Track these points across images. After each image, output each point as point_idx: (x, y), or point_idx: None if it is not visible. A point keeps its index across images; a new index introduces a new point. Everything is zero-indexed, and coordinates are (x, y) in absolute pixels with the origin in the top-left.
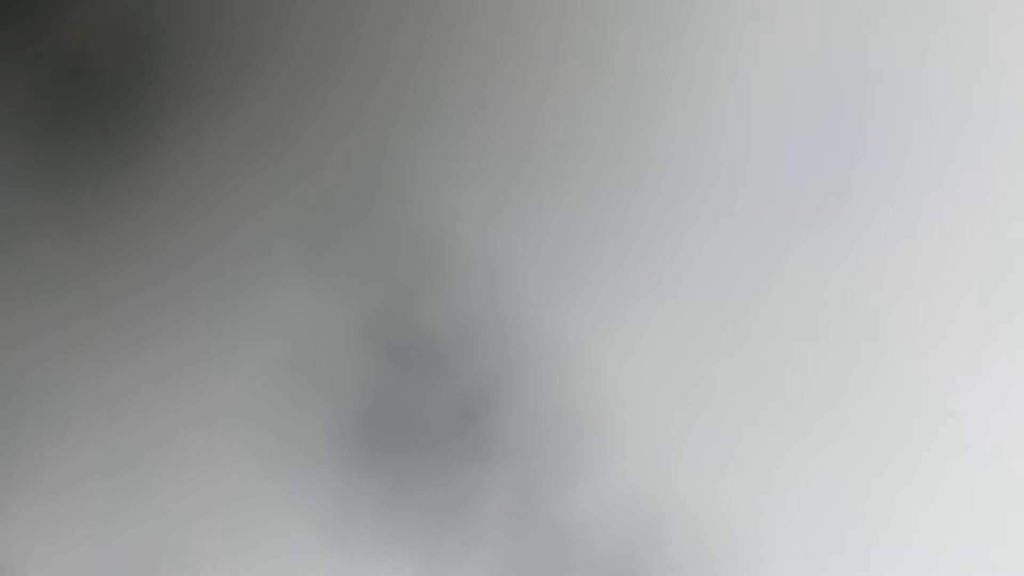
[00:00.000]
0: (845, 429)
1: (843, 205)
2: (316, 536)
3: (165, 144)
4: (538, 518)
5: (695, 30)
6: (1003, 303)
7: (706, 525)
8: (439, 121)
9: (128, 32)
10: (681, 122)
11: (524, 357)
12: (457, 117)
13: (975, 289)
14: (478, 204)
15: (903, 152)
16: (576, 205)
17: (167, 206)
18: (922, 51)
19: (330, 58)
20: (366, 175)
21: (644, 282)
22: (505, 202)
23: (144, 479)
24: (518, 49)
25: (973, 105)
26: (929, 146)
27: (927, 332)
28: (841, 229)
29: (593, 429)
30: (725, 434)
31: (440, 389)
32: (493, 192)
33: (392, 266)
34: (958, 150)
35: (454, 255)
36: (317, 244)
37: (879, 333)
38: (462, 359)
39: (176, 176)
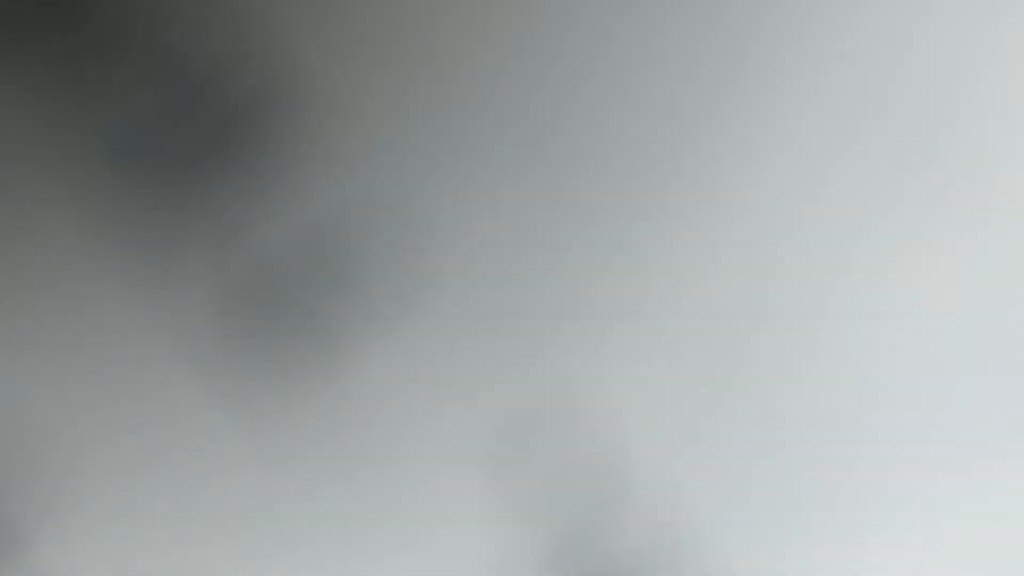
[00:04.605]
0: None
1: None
2: None
3: (349, 360)
4: None
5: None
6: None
7: None
8: (627, 350)
9: (319, 246)
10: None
11: None
12: (643, 345)
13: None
14: (662, 433)
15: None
16: (764, 443)
17: (351, 422)
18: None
19: (518, 279)
20: (552, 400)
21: (841, 521)
22: (689, 432)
23: None
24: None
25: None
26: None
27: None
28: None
29: None
30: None
31: None
32: (677, 422)
33: (576, 494)
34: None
35: (637, 484)
36: (503, 468)
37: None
38: None
39: (361, 392)
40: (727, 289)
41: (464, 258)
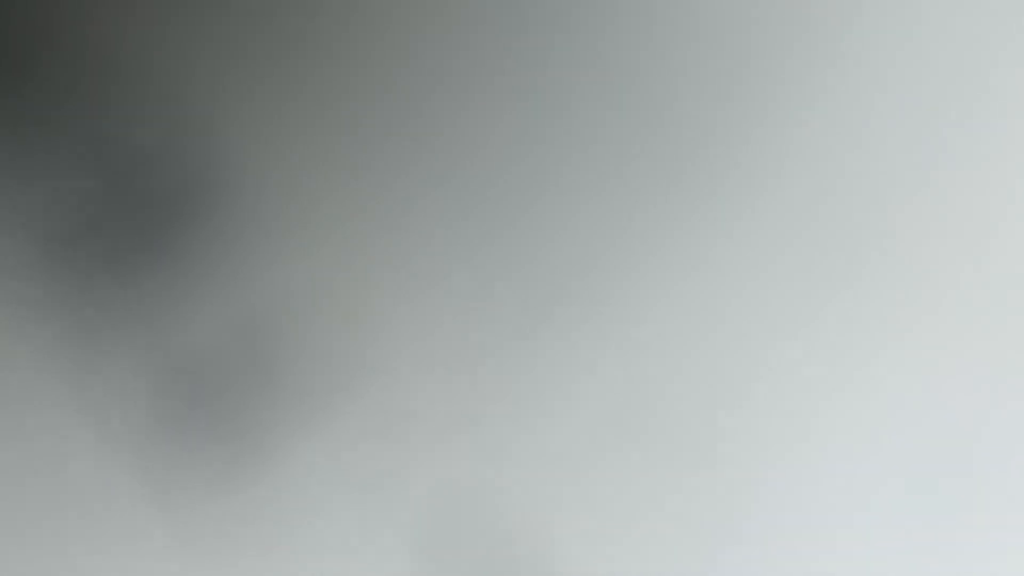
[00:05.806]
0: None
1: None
2: None
3: (277, 450)
4: None
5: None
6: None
7: None
8: (555, 445)
9: (250, 335)
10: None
11: None
12: (570, 440)
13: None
14: (582, 523)
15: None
16: (688, 535)
17: (278, 513)
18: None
19: (449, 370)
20: (470, 492)
21: None
22: (610, 522)
23: None
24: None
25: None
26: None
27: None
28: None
29: None
30: None
31: None
32: (596, 512)
33: None
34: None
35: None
36: (424, 560)
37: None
38: None
39: (288, 483)
40: (664, 381)
41: (394, 349)
